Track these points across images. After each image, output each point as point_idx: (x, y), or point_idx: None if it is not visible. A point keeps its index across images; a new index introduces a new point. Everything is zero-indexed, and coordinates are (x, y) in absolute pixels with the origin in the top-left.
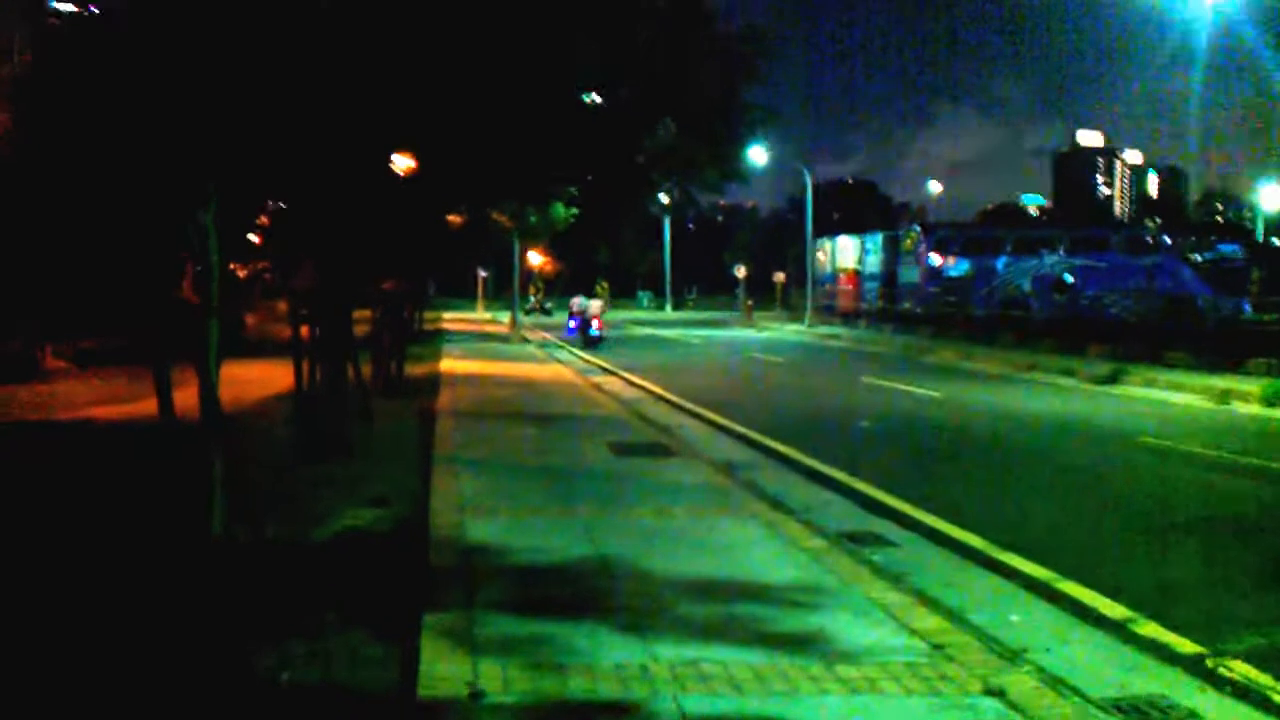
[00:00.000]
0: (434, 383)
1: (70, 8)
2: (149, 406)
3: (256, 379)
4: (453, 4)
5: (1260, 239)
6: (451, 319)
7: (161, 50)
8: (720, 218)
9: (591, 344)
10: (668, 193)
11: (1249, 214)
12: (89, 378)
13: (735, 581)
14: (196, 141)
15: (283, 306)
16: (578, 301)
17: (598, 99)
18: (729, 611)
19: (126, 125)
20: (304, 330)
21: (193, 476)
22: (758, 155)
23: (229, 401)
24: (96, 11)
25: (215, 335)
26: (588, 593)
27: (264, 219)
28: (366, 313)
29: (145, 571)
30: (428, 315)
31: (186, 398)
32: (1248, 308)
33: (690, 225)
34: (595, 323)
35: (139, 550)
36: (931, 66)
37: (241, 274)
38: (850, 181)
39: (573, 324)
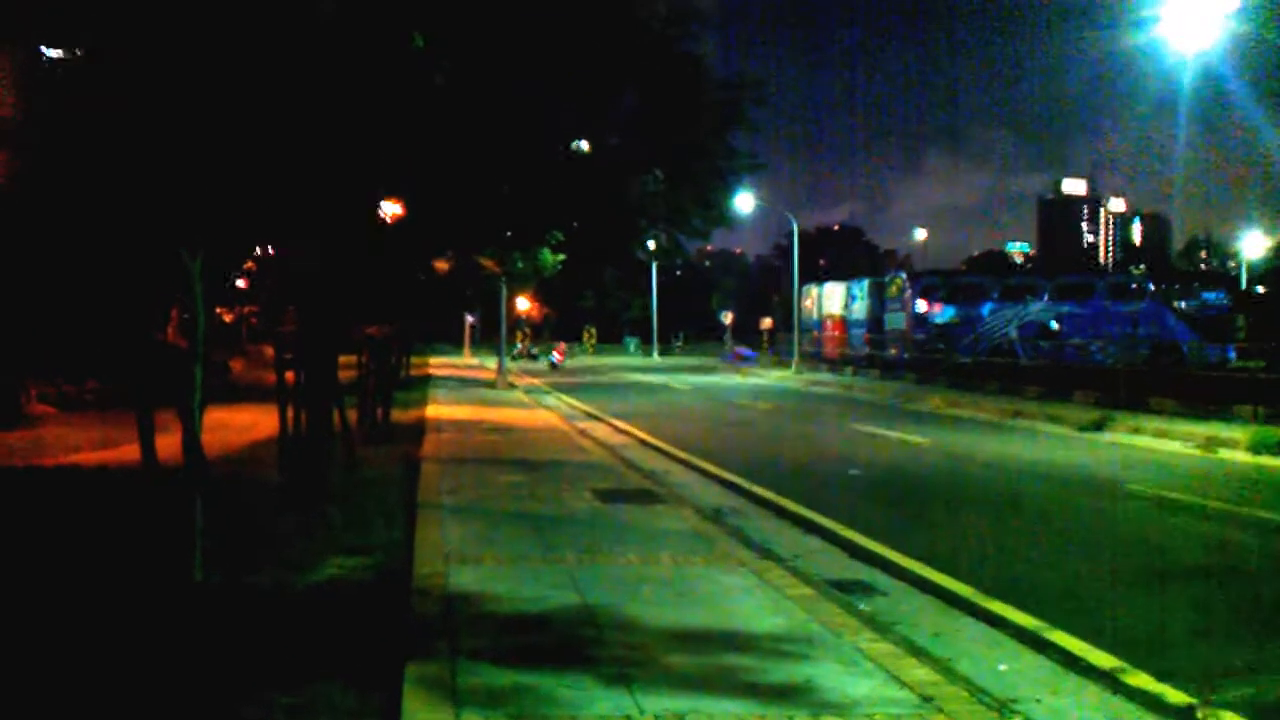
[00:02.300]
0: (420, 428)
1: (58, 53)
2: (133, 452)
3: (242, 424)
4: (444, 68)
5: (1244, 286)
6: (438, 364)
7: (150, 99)
8: (708, 264)
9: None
10: (655, 239)
11: (1233, 262)
12: (73, 422)
13: (722, 631)
14: (185, 189)
15: (270, 351)
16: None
17: (585, 147)
18: (716, 661)
19: (115, 173)
20: (289, 376)
21: (175, 522)
22: (744, 202)
23: (213, 447)
24: (83, 56)
25: (200, 380)
26: (572, 642)
27: (251, 264)
28: (353, 358)
29: (124, 619)
30: (414, 360)
31: (171, 443)
32: (1232, 354)
33: (678, 272)
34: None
35: (119, 597)
36: (920, 116)
37: (228, 318)
38: (837, 228)
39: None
